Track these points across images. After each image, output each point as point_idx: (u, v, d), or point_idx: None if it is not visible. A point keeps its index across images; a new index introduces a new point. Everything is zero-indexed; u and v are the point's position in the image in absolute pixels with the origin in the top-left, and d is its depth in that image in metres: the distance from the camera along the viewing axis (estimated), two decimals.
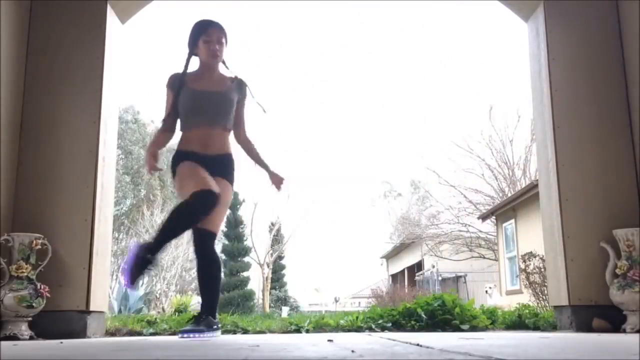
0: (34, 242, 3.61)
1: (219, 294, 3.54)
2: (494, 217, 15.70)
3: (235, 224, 23.02)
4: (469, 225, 20.08)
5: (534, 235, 10.38)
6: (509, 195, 16.26)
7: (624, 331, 3.60)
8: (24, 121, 3.94)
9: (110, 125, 4.21)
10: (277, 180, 3.60)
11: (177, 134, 3.55)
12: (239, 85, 3.55)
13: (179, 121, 3.50)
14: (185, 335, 3.12)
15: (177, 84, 3.47)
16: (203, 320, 3.24)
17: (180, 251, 23.12)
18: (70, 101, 4.00)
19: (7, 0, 3.79)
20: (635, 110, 4.05)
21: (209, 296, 3.41)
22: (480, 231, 19.57)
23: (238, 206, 23.53)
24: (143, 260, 3.11)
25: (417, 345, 2.16)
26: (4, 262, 3.57)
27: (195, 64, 3.55)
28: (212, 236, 3.37)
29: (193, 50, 3.51)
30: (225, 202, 3.37)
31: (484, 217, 16.95)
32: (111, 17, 4.23)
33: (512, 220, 13.81)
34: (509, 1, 4.68)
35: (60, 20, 4.12)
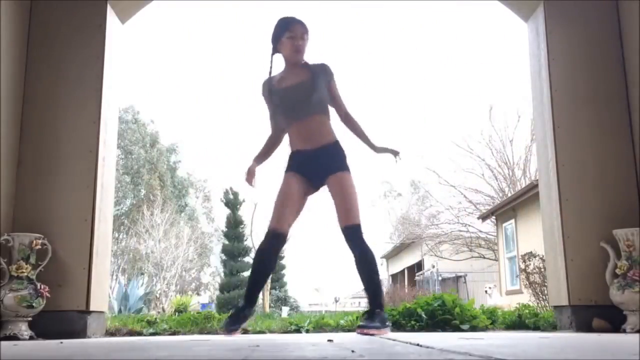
0: (34, 242, 3.61)
1: (381, 284, 3.52)
2: (494, 217, 15.70)
3: (235, 224, 23.01)
4: (469, 225, 20.08)
5: (534, 235, 10.38)
6: (509, 195, 16.26)
7: (624, 331, 3.60)
8: (24, 121, 3.94)
9: (110, 125, 4.21)
10: (389, 151, 3.64)
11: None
12: (322, 68, 3.57)
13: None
14: (366, 330, 3.11)
15: (268, 90, 3.60)
16: (378, 315, 3.22)
17: (180, 251, 23.15)
18: (70, 101, 4.00)
19: (7, 0, 3.79)
20: (635, 110, 4.05)
21: (373, 289, 3.36)
22: (480, 231, 19.57)
23: (238, 206, 23.53)
24: (244, 318, 3.48)
25: (417, 345, 2.16)
26: (4, 262, 3.57)
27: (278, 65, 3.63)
28: (355, 228, 3.35)
29: (276, 47, 3.58)
30: (349, 189, 3.40)
31: (484, 217, 16.95)
32: (111, 17, 4.23)
33: (512, 220, 13.81)
34: (509, 1, 4.68)
35: (60, 20, 4.12)
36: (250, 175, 3.69)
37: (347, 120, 3.62)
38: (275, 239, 3.41)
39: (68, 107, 3.99)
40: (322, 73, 3.54)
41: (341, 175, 3.42)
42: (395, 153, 3.64)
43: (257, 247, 3.54)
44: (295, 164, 3.50)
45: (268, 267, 3.51)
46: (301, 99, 3.46)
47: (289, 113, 3.51)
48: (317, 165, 3.44)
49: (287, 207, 3.44)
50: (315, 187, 3.51)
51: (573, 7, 4.31)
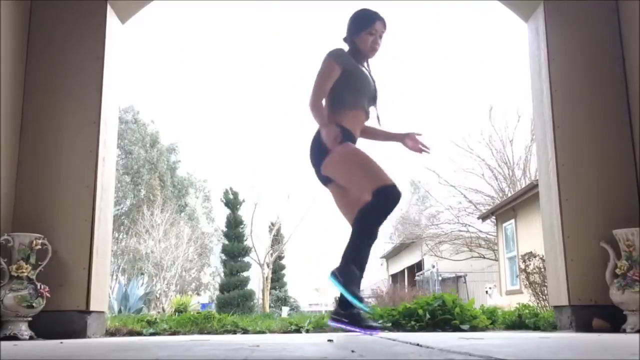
0: (34, 242, 3.61)
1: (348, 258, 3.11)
2: (494, 217, 15.70)
3: (235, 224, 23.02)
4: (469, 225, 20.08)
5: (534, 235, 10.38)
6: (509, 195, 16.25)
7: (624, 331, 3.60)
8: (24, 121, 3.94)
9: (110, 125, 4.22)
10: (413, 143, 3.48)
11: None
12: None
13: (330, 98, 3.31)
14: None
15: (348, 61, 3.31)
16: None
17: (180, 251, 23.15)
18: (70, 101, 4.00)
19: (7, 0, 3.79)
20: (635, 110, 4.05)
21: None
22: (480, 231, 19.58)
23: (238, 206, 23.54)
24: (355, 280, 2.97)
25: (417, 345, 2.16)
26: (4, 262, 3.57)
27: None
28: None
29: (353, 38, 3.40)
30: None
31: (484, 217, 16.95)
32: (111, 17, 4.23)
33: (512, 220, 13.81)
34: (509, 1, 4.68)
35: (60, 20, 4.12)
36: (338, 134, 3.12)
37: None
38: (397, 192, 3.00)
39: (68, 107, 3.99)
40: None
41: None
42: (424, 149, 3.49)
43: (371, 210, 3.03)
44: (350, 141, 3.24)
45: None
46: (375, 93, 3.40)
47: (365, 97, 3.33)
48: None
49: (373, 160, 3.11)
50: None
51: (573, 7, 4.31)
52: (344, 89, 3.29)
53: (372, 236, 3.08)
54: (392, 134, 3.56)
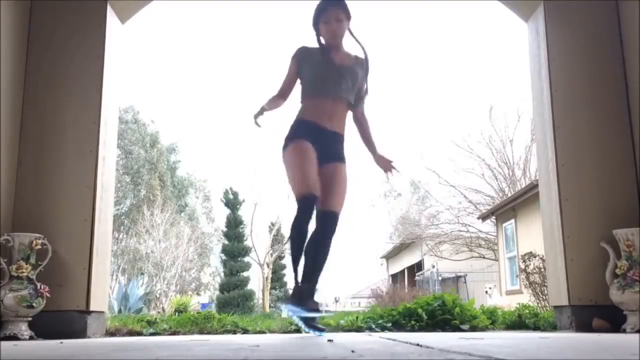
0: (34, 242, 3.61)
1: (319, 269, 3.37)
2: (494, 217, 15.70)
3: (235, 224, 23.02)
4: (469, 225, 20.08)
5: (534, 235, 10.38)
6: (509, 195, 16.25)
7: (624, 331, 3.60)
8: (24, 121, 3.94)
9: (110, 125, 4.21)
10: (384, 164, 3.62)
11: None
12: (363, 64, 3.55)
13: (296, 91, 3.52)
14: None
15: (304, 55, 3.51)
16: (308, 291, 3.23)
17: (180, 251, 23.15)
18: (70, 101, 4.00)
19: (7, 0, 3.79)
20: (635, 110, 4.05)
21: (311, 267, 3.29)
22: (480, 231, 19.57)
23: (238, 206, 23.54)
24: (306, 293, 3.18)
25: (417, 345, 2.16)
26: (4, 262, 3.57)
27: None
28: (334, 215, 3.29)
29: (316, 32, 3.54)
30: (344, 182, 3.39)
31: (484, 217, 16.95)
32: (111, 17, 4.23)
33: (512, 220, 13.81)
34: (509, 1, 4.68)
35: (60, 20, 4.12)
36: (260, 113, 3.44)
37: (361, 119, 3.63)
38: (310, 204, 3.18)
39: (68, 107, 3.99)
40: (362, 68, 3.53)
41: (340, 165, 3.43)
42: (390, 168, 3.60)
43: (291, 224, 3.30)
44: (309, 133, 3.35)
45: (306, 234, 3.25)
46: (339, 81, 3.43)
47: (322, 87, 3.43)
48: (327, 146, 3.37)
49: (312, 168, 3.25)
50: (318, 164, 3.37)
51: (573, 7, 4.31)
52: (304, 81, 3.50)
53: (292, 249, 3.31)
54: (372, 146, 3.65)
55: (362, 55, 3.55)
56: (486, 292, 13.15)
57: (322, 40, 3.53)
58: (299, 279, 3.22)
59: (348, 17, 3.52)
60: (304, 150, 3.30)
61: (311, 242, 3.30)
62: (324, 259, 3.33)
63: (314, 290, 3.28)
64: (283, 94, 3.55)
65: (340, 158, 3.45)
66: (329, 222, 3.31)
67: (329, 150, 3.40)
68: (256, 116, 3.44)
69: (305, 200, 3.19)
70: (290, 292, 3.30)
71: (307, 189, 3.19)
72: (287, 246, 25.81)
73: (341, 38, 3.52)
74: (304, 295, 3.19)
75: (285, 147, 3.37)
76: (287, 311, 3.30)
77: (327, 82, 3.44)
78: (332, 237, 3.34)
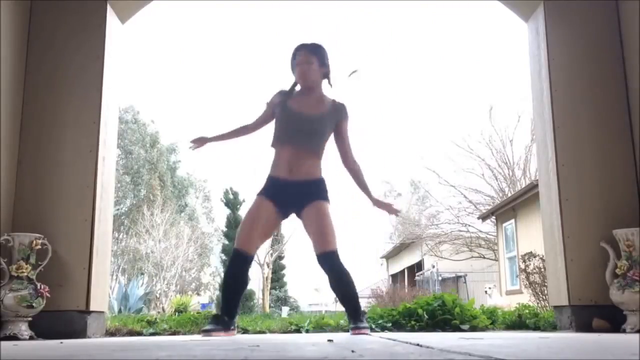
0: (34, 242, 3.61)
1: (358, 298, 3.56)
2: (494, 217, 15.70)
3: (235, 224, 23.03)
4: (469, 225, 20.08)
5: (534, 235, 10.39)
6: (509, 195, 16.25)
7: (624, 331, 3.60)
8: (24, 121, 3.94)
9: (110, 125, 4.21)
10: (386, 207, 3.71)
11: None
12: (338, 108, 3.56)
13: (270, 137, 3.57)
14: (359, 331, 3.30)
15: (277, 101, 3.57)
16: (364, 317, 3.45)
17: (180, 251, 23.16)
18: (70, 101, 4.00)
19: (7, 0, 3.79)
20: (635, 110, 4.05)
21: (352, 306, 3.47)
22: (480, 231, 19.58)
23: (238, 206, 23.56)
24: (220, 321, 3.35)
25: (417, 345, 2.16)
26: (4, 262, 3.57)
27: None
28: (331, 255, 3.37)
29: (294, 75, 3.60)
30: (326, 218, 3.41)
31: (484, 217, 16.95)
32: (111, 17, 4.23)
33: (512, 220, 13.81)
34: (509, 1, 4.68)
35: (61, 20, 4.12)
36: (200, 142, 3.69)
37: (352, 165, 3.64)
38: (242, 261, 3.40)
39: (68, 107, 3.99)
40: (335, 113, 3.54)
41: (319, 203, 3.43)
42: (393, 211, 3.70)
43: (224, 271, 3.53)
44: (271, 189, 3.46)
45: (238, 288, 3.45)
46: (305, 130, 3.45)
47: (287, 134, 3.47)
48: (293, 196, 3.42)
49: (255, 230, 3.40)
50: (285, 216, 3.52)
51: (573, 7, 4.31)
52: (275, 128, 3.57)
53: (225, 288, 3.49)
54: (368, 192, 3.69)
55: (339, 100, 3.59)
56: (486, 292, 13.16)
57: (298, 85, 3.58)
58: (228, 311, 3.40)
59: (321, 61, 3.54)
60: (256, 208, 3.44)
61: (338, 292, 3.48)
62: (354, 292, 3.49)
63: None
64: (252, 126, 3.68)
65: (317, 197, 3.44)
66: (333, 261, 3.37)
67: (298, 198, 3.42)
68: (198, 141, 3.68)
69: (236, 254, 3.40)
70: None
71: (241, 245, 3.38)
72: (287, 246, 25.87)
73: (313, 81, 3.54)
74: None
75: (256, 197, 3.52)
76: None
77: (287, 130, 3.48)
78: (345, 269, 3.41)
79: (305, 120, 3.46)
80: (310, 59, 3.51)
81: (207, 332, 3.26)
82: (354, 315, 3.42)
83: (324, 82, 3.63)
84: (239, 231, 3.43)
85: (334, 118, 3.54)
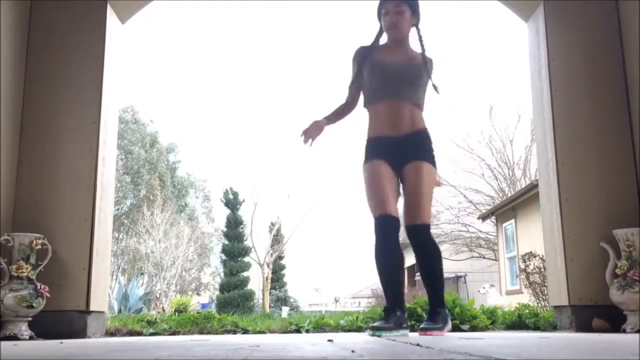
0: (34, 242, 3.61)
1: (443, 283, 3.30)
2: (494, 217, 15.70)
3: (235, 224, 23.02)
4: (469, 225, 20.09)
5: (534, 235, 10.38)
6: (509, 195, 16.25)
7: (624, 331, 3.60)
8: (24, 121, 3.94)
9: (110, 125, 4.21)
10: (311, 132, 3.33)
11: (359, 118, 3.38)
12: (428, 61, 3.38)
13: (362, 98, 3.36)
14: (428, 332, 3.00)
15: (362, 56, 3.33)
16: (439, 314, 3.14)
17: (180, 251, 23.15)
18: (70, 101, 4.00)
19: (7, 0, 3.79)
20: (635, 110, 4.05)
21: (433, 288, 3.23)
22: (480, 231, 19.59)
23: (238, 206, 23.54)
24: (391, 317, 3.01)
25: (417, 345, 2.16)
26: (4, 262, 3.57)
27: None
28: (420, 228, 3.16)
29: (380, 28, 3.38)
30: (429, 186, 3.18)
31: (484, 217, 16.96)
32: (111, 17, 4.23)
33: (512, 220, 13.81)
34: (509, 1, 4.68)
35: (60, 20, 4.12)
36: (317, 130, 3.21)
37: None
38: (389, 225, 3.07)
39: (68, 107, 3.99)
40: (430, 65, 3.37)
41: (420, 164, 3.17)
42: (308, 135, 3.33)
43: (375, 245, 3.14)
44: (380, 150, 3.18)
45: (396, 257, 3.14)
46: (403, 79, 3.23)
47: (385, 88, 3.22)
48: (401, 152, 3.16)
49: (386, 188, 3.10)
50: (398, 173, 3.21)
51: (573, 7, 4.31)
52: (364, 86, 3.34)
53: (382, 269, 3.15)
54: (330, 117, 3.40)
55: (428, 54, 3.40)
56: (479, 291, 13.15)
57: (383, 32, 3.37)
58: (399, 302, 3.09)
59: (413, 9, 3.34)
60: (376, 170, 3.16)
61: (425, 272, 3.29)
62: (441, 273, 3.29)
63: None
64: (351, 100, 3.41)
65: (420, 156, 3.21)
66: (422, 236, 3.19)
67: (405, 154, 3.18)
68: (314, 129, 3.23)
69: (382, 221, 3.09)
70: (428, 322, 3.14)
71: (382, 209, 3.08)
72: (287, 246, 25.87)
73: (404, 33, 3.33)
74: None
75: (367, 162, 3.25)
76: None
77: (384, 84, 3.24)
78: (437, 246, 3.29)
79: (403, 69, 3.25)
80: (402, 7, 3.29)
81: (378, 330, 2.94)
82: (432, 306, 3.17)
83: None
84: (374, 198, 3.11)
85: (429, 71, 3.34)
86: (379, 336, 2.90)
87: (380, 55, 3.32)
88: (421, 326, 3.12)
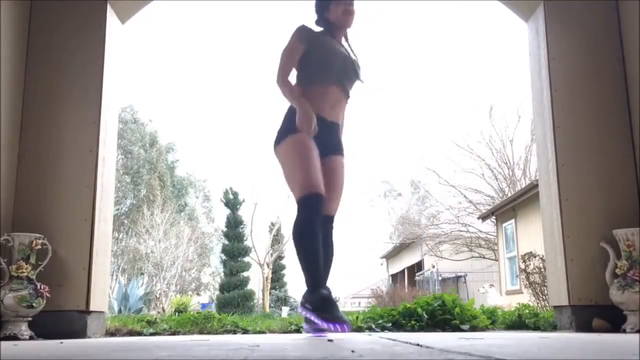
0: (34, 242, 3.61)
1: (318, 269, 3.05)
2: (494, 217, 15.71)
3: (235, 224, 23.03)
4: (469, 225, 20.10)
5: (534, 235, 10.39)
6: (509, 195, 16.26)
7: (624, 331, 3.60)
8: (24, 121, 3.94)
9: (110, 125, 4.21)
10: None
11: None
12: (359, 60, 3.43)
13: (295, 77, 3.31)
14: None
15: (309, 36, 3.29)
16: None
17: (180, 251, 23.16)
18: (71, 101, 4.00)
19: (7, 0, 3.79)
20: (635, 110, 4.05)
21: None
22: (480, 231, 19.59)
23: (238, 206, 23.55)
24: (323, 301, 2.91)
25: (417, 345, 2.16)
26: (4, 262, 3.57)
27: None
28: (331, 220, 3.20)
29: (324, 15, 3.37)
30: (342, 178, 3.24)
31: (484, 217, 16.96)
32: (111, 17, 4.23)
33: (512, 220, 13.82)
34: (509, 1, 4.68)
35: (60, 20, 4.12)
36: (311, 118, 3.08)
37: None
38: (317, 202, 2.97)
39: (68, 107, 3.99)
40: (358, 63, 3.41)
41: (342, 161, 3.30)
42: None
43: (295, 224, 3.02)
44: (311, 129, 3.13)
45: (318, 240, 3.00)
46: (349, 68, 3.30)
47: (333, 73, 3.24)
48: (327, 138, 3.20)
49: (316, 164, 3.03)
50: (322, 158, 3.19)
51: (573, 7, 4.31)
52: (311, 66, 3.27)
53: (307, 250, 3.00)
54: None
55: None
56: (479, 290, 13.17)
57: (332, 23, 3.37)
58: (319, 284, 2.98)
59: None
60: (305, 144, 3.05)
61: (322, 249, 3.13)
62: (328, 270, 3.21)
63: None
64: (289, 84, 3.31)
65: (338, 150, 3.31)
66: (328, 229, 3.22)
67: (330, 142, 3.24)
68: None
69: (312, 199, 2.98)
70: (311, 297, 3.00)
71: (312, 187, 2.98)
72: (287, 246, 25.86)
73: (352, 21, 3.38)
74: (333, 305, 2.93)
75: (281, 140, 3.14)
76: (312, 318, 2.98)
77: (337, 71, 3.27)
78: (333, 242, 3.27)
79: (348, 60, 3.32)
80: (354, 5, 3.35)
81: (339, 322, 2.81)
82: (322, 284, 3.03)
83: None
84: (306, 173, 2.99)
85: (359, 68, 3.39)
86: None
87: (332, 42, 3.35)
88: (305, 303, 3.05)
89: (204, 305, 19.35)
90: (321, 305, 2.91)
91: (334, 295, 3.07)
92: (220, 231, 25.51)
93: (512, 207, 13.68)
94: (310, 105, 3.12)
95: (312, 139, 3.09)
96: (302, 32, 3.29)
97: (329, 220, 3.23)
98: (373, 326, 4.37)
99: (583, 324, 3.82)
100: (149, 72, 50.27)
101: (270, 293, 23.73)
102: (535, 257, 8.18)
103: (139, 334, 4.16)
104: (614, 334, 3.38)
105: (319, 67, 3.27)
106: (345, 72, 3.31)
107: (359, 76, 3.39)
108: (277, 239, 25.24)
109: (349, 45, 3.46)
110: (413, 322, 4.38)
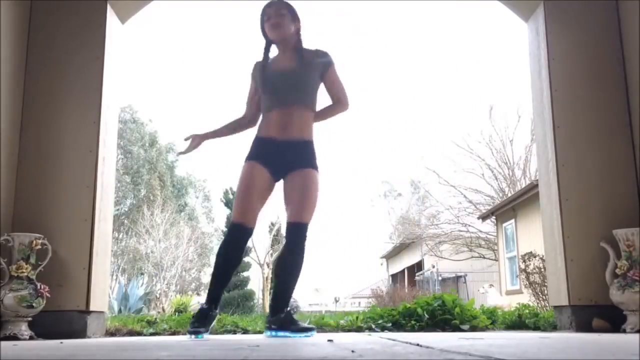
0: (34, 242, 3.61)
1: (292, 291, 3.39)
2: (494, 217, 15.71)
3: None
4: (469, 225, 20.10)
5: (534, 235, 10.39)
6: (509, 195, 16.26)
7: (624, 331, 3.60)
8: (24, 121, 3.94)
9: (110, 125, 4.21)
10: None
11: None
12: (321, 55, 3.45)
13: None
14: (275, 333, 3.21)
15: (258, 70, 3.48)
16: (283, 315, 3.23)
17: (180, 251, 23.16)
18: (71, 101, 4.00)
19: (7, 0, 3.79)
20: (635, 110, 4.05)
21: (283, 291, 3.35)
22: (480, 231, 19.59)
23: None
24: (208, 318, 3.22)
25: (417, 345, 2.16)
26: (4, 262, 3.57)
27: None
28: (302, 227, 3.26)
29: (264, 34, 3.49)
30: (312, 190, 3.29)
31: (484, 217, 16.97)
32: (111, 17, 4.23)
33: (512, 220, 13.82)
34: (509, 1, 4.68)
35: (60, 20, 4.12)
36: (193, 141, 3.48)
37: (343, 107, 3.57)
38: (240, 234, 3.24)
39: (68, 107, 3.99)
40: (315, 60, 3.41)
41: (308, 172, 3.31)
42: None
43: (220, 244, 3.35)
44: (261, 152, 3.32)
45: (233, 263, 3.27)
46: (287, 86, 3.33)
47: (274, 98, 3.35)
48: (283, 157, 3.29)
49: (252, 198, 3.25)
50: (276, 180, 3.36)
51: (573, 7, 4.31)
52: (261, 98, 3.49)
53: (216, 268, 3.27)
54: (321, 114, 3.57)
55: (322, 48, 3.48)
56: (479, 290, 13.16)
57: (269, 40, 3.49)
58: (214, 301, 3.26)
59: (292, 14, 3.45)
60: (250, 174, 3.29)
61: (282, 266, 3.36)
62: (296, 279, 3.34)
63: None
64: (249, 115, 3.60)
65: (306, 164, 3.33)
66: (298, 235, 3.27)
67: (287, 160, 3.30)
68: (193, 141, 3.51)
69: (235, 229, 3.25)
70: (273, 318, 3.28)
71: (241, 218, 3.23)
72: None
73: (287, 33, 3.41)
74: (292, 321, 3.24)
75: (245, 162, 3.37)
76: (278, 334, 3.24)
77: (272, 92, 3.37)
78: (304, 249, 3.31)
79: (288, 75, 3.35)
80: (282, 11, 3.41)
81: (194, 333, 3.09)
82: (277, 304, 3.27)
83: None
84: (237, 203, 3.26)
85: (319, 67, 3.40)
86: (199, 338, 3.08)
87: (272, 66, 3.46)
88: (271, 325, 3.28)
89: None
90: (192, 318, 3.23)
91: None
92: (220, 231, 25.49)
93: (512, 207, 13.68)
94: (263, 130, 3.38)
95: (263, 166, 3.29)
96: (253, 69, 3.56)
97: (299, 228, 3.27)
98: (373, 326, 4.37)
99: (583, 324, 3.82)
100: (148, 72, 50.26)
101: (270, 293, 23.70)
102: (535, 257, 8.18)
103: (139, 334, 4.16)
104: (614, 334, 3.38)
105: (262, 96, 3.46)
106: (285, 92, 3.34)
107: (309, 84, 3.40)
108: (277, 239, 25.20)
109: (302, 52, 3.45)
110: (413, 322, 4.38)
